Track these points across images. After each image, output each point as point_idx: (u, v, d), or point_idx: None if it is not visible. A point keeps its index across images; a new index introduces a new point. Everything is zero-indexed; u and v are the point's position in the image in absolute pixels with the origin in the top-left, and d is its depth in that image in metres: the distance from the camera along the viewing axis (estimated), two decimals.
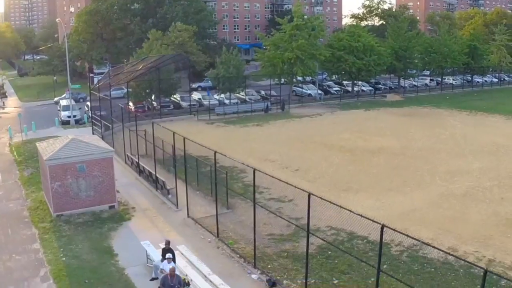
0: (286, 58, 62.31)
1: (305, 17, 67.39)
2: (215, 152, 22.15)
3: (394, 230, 13.77)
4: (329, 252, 21.22)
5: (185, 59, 52.53)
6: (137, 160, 32.47)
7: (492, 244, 22.29)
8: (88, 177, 25.08)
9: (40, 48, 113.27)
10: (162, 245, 19.18)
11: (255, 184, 19.96)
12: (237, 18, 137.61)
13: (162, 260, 17.60)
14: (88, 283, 18.44)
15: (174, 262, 17.03)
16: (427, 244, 15.04)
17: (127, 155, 34.93)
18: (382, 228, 13.87)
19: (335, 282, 18.75)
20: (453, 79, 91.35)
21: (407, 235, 14.09)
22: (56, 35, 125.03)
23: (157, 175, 29.06)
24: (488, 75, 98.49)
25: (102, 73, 62.17)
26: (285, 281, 18.73)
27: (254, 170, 19.35)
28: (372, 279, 18.74)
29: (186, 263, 18.71)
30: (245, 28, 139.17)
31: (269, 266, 19.91)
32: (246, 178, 31.23)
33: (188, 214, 25.12)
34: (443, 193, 29.22)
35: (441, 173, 33.30)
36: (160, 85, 53.04)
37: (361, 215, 15.08)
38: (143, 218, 25.19)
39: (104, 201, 25.72)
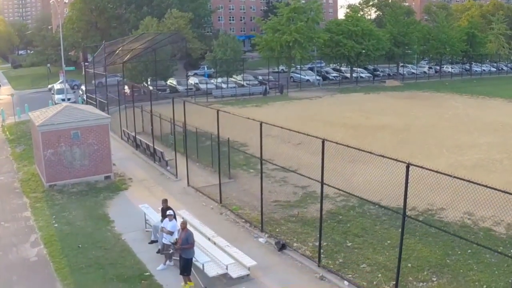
0: (284, 41, 61.04)
1: (303, 1, 66.13)
2: (218, 111, 20.81)
3: (421, 167, 12.49)
4: (340, 217, 20.11)
5: (181, 39, 51.06)
6: (133, 135, 31.14)
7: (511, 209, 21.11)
8: (82, 145, 23.78)
9: (34, 38, 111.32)
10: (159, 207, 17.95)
11: (262, 137, 18.49)
12: (233, 9, 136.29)
13: (162, 220, 16.35)
14: (82, 248, 17.14)
15: (175, 220, 15.74)
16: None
17: (123, 130, 33.60)
18: (407, 167, 12.64)
19: (349, 244, 17.54)
20: (452, 68, 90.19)
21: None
22: (49, 27, 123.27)
23: (155, 146, 27.76)
24: (486, 64, 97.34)
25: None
26: (295, 244, 17.48)
27: (261, 123, 17.91)
28: (389, 241, 17.61)
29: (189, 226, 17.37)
30: (241, 20, 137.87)
31: (277, 230, 18.70)
32: (248, 150, 29.96)
33: (188, 183, 23.85)
34: (452, 164, 28.04)
35: (448, 147, 32.17)
36: (156, 67, 51.58)
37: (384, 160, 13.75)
38: (141, 188, 23.93)
39: (100, 171, 24.41)
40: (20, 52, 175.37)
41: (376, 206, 21.26)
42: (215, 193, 22.24)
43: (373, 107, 49.39)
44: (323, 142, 15.27)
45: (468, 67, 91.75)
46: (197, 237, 16.25)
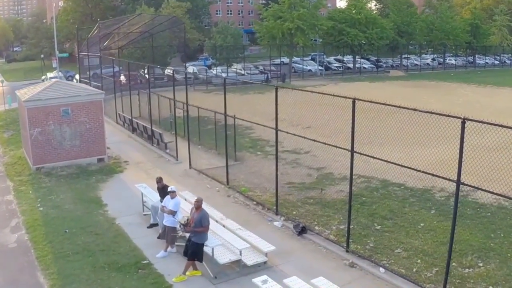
0: (286, 29, 58.68)
1: None
2: (225, 82, 18.51)
3: (478, 121, 10.24)
4: (363, 198, 17.86)
5: (180, 24, 48.60)
6: (130, 117, 28.81)
7: None
8: (73, 123, 21.45)
9: (28, 31, 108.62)
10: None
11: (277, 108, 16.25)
12: (230, 3, 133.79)
13: (161, 200, 14.05)
14: (69, 233, 14.80)
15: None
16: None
17: (119, 114, 31.26)
18: (463, 122, 10.36)
19: (378, 228, 15.25)
20: (455, 60, 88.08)
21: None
22: (44, 20, 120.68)
23: (153, 128, 25.43)
24: (489, 57, 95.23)
25: (96, 56, 58.39)
26: (316, 228, 15.20)
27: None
28: (422, 224, 15.34)
29: (191, 206, 15.03)
30: (238, 14, 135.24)
31: (294, 213, 16.42)
32: (253, 134, 27.86)
33: (190, 165, 21.55)
34: (476, 146, 25.70)
35: (467, 130, 29.79)
36: (153, 54, 49.16)
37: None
38: (137, 170, 21.64)
39: (92, 152, 22.09)
40: (15, 48, 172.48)
41: (402, 187, 19.26)
42: (220, 175, 20.01)
43: (381, 94, 46.93)
44: (353, 102, 12.96)
45: (472, 59, 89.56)
46: None
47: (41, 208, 16.85)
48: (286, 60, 65.96)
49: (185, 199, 15.99)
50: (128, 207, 16.95)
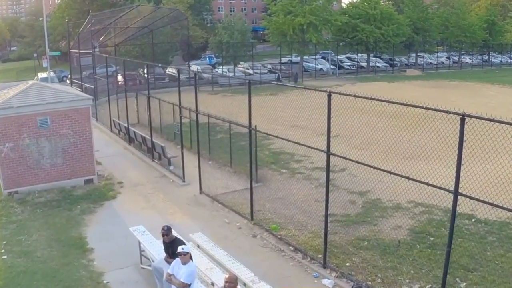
0: (297, 24, 54.17)
1: None
2: (250, 85, 14.20)
3: None
4: (431, 239, 13.40)
5: (183, 19, 44.09)
6: (126, 125, 24.41)
7: None
8: (53, 136, 17.08)
9: (23, 30, 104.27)
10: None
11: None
12: (233, 0, 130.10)
13: (168, 258, 9.65)
14: None
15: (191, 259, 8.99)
16: None
17: (114, 120, 26.85)
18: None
19: (462, 286, 10.86)
20: (470, 58, 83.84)
21: None
22: (40, 19, 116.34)
23: (153, 140, 21.05)
24: (504, 55, 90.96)
25: (88, 53, 54.02)
26: None
27: None
28: None
29: (209, 262, 10.63)
30: (242, 11, 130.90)
31: (347, 264, 12.00)
32: (273, 145, 23.44)
33: (200, 189, 17.16)
34: None
35: None
36: (154, 52, 44.71)
37: None
38: (135, 196, 17.23)
39: (78, 172, 17.71)
40: (13, 48, 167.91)
41: (472, 219, 14.90)
42: (240, 203, 15.70)
43: (405, 95, 42.44)
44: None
45: (487, 58, 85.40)
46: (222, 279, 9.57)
47: (5, 256, 12.47)
48: (294, 59, 61.48)
49: (198, 246, 11.59)
50: (121, 254, 12.59)
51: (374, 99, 10.12)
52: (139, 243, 11.68)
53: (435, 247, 12.92)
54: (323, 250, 11.90)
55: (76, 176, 17.67)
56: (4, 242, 13.32)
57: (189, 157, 19.44)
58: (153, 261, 10.68)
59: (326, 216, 11.88)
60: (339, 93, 11.46)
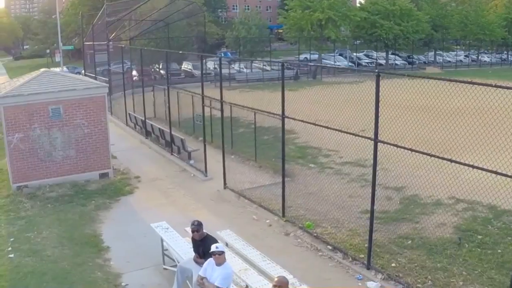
0: (315, 20, 52.77)
1: None
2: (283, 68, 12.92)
3: None
4: (479, 237, 12.04)
5: (200, 12, 42.85)
6: (142, 119, 23.21)
7: None
8: (66, 127, 15.89)
9: (36, 28, 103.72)
10: (189, 230, 10.07)
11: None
12: None
13: (197, 258, 8.37)
14: None
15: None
16: None
17: (129, 113, 25.67)
18: None
19: None
20: (488, 57, 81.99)
21: None
22: (53, 16, 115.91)
23: (172, 133, 19.81)
24: None
25: (102, 50, 53.03)
26: None
27: None
28: None
29: (242, 263, 9.31)
30: (256, 8, 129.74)
31: (392, 265, 10.64)
32: (298, 139, 22.07)
33: (225, 184, 15.86)
34: None
35: None
36: (169, 46, 43.44)
37: None
38: (153, 191, 15.96)
39: (92, 165, 16.49)
40: (26, 47, 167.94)
41: None
42: (269, 199, 14.39)
43: (433, 91, 41.17)
44: None
45: (505, 57, 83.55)
46: (258, 282, 8.33)
47: (12, 255, 11.24)
48: (310, 56, 60.10)
49: (226, 244, 10.26)
50: (141, 253, 11.33)
51: (453, 80, 8.78)
52: (162, 241, 10.40)
53: (484, 246, 11.63)
54: (367, 250, 10.58)
55: (90, 169, 16.44)
56: (12, 239, 12.12)
57: (209, 151, 18.15)
58: (178, 262, 9.38)
59: (372, 211, 10.56)
60: (389, 73, 10.09)
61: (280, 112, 13.31)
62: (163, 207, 14.23)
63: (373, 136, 10.35)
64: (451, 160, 9.06)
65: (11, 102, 15.18)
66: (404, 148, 9.85)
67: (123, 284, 10.04)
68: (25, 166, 15.66)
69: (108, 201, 14.82)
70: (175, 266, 9.81)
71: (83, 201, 14.73)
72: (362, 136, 10.71)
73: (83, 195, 15.26)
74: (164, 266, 10.50)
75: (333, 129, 11.63)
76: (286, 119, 13.29)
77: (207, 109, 18.00)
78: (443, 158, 9.21)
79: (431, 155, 9.38)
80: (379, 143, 10.25)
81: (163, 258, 10.55)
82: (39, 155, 15.77)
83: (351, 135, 11.45)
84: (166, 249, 10.37)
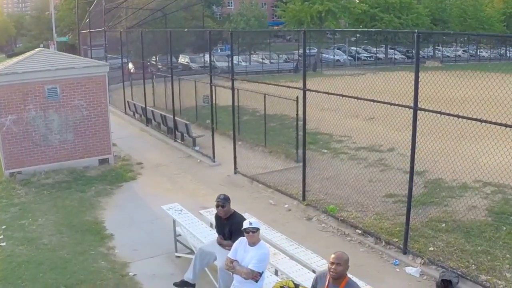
0: (315, 12, 51.66)
1: None
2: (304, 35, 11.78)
3: None
4: None
5: (198, 3, 41.55)
6: (142, 106, 22.05)
7: None
8: (64, 108, 14.70)
9: (29, 24, 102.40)
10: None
11: None
12: None
13: (222, 240, 7.23)
14: None
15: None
16: None
17: (128, 101, 24.51)
18: None
19: None
20: (487, 52, 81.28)
21: None
22: (46, 12, 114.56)
23: (176, 118, 18.67)
24: None
25: (97, 45, 51.79)
26: (482, 276, 8.49)
27: None
28: None
29: (269, 247, 8.13)
30: (252, 5, 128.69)
31: (430, 249, 9.58)
32: (307, 126, 20.86)
33: (235, 169, 14.72)
34: None
35: None
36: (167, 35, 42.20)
37: None
38: (158, 177, 14.81)
39: (91, 150, 15.30)
40: (19, 45, 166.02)
41: None
42: (285, 184, 13.27)
43: (438, 83, 40.17)
44: None
45: (503, 52, 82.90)
46: (296, 271, 7.20)
47: (3, 243, 10.06)
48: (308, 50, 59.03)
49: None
50: (148, 241, 10.18)
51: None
52: (174, 225, 9.23)
53: None
54: (404, 233, 9.46)
55: (89, 155, 15.24)
56: (4, 226, 10.93)
57: (215, 138, 17.03)
58: (194, 248, 8.21)
59: (410, 190, 9.45)
60: (430, 32, 8.94)
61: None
62: (171, 193, 13.07)
63: (412, 105, 9.17)
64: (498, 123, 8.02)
65: (4, 80, 13.96)
66: (449, 114, 8.75)
67: (130, 274, 8.88)
68: (19, 150, 14.45)
69: (109, 187, 13.64)
70: (190, 253, 8.66)
71: (82, 187, 13.55)
72: (401, 105, 9.58)
73: (82, 181, 14.07)
74: (177, 254, 9.33)
75: (364, 99, 10.44)
76: (307, 92, 12.09)
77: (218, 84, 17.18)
78: (490, 122, 8.13)
79: (479, 120, 8.31)
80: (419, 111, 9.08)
81: (175, 244, 9.39)
82: (33, 138, 14.56)
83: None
84: (179, 234, 9.21)
